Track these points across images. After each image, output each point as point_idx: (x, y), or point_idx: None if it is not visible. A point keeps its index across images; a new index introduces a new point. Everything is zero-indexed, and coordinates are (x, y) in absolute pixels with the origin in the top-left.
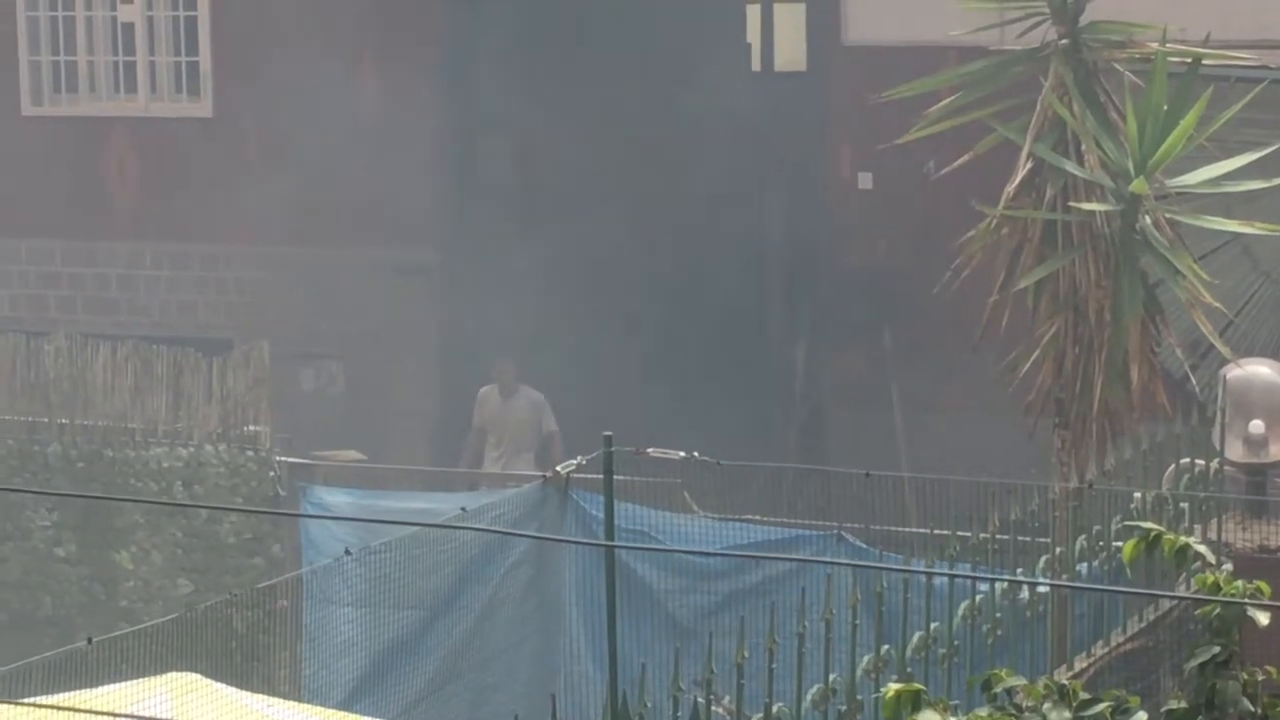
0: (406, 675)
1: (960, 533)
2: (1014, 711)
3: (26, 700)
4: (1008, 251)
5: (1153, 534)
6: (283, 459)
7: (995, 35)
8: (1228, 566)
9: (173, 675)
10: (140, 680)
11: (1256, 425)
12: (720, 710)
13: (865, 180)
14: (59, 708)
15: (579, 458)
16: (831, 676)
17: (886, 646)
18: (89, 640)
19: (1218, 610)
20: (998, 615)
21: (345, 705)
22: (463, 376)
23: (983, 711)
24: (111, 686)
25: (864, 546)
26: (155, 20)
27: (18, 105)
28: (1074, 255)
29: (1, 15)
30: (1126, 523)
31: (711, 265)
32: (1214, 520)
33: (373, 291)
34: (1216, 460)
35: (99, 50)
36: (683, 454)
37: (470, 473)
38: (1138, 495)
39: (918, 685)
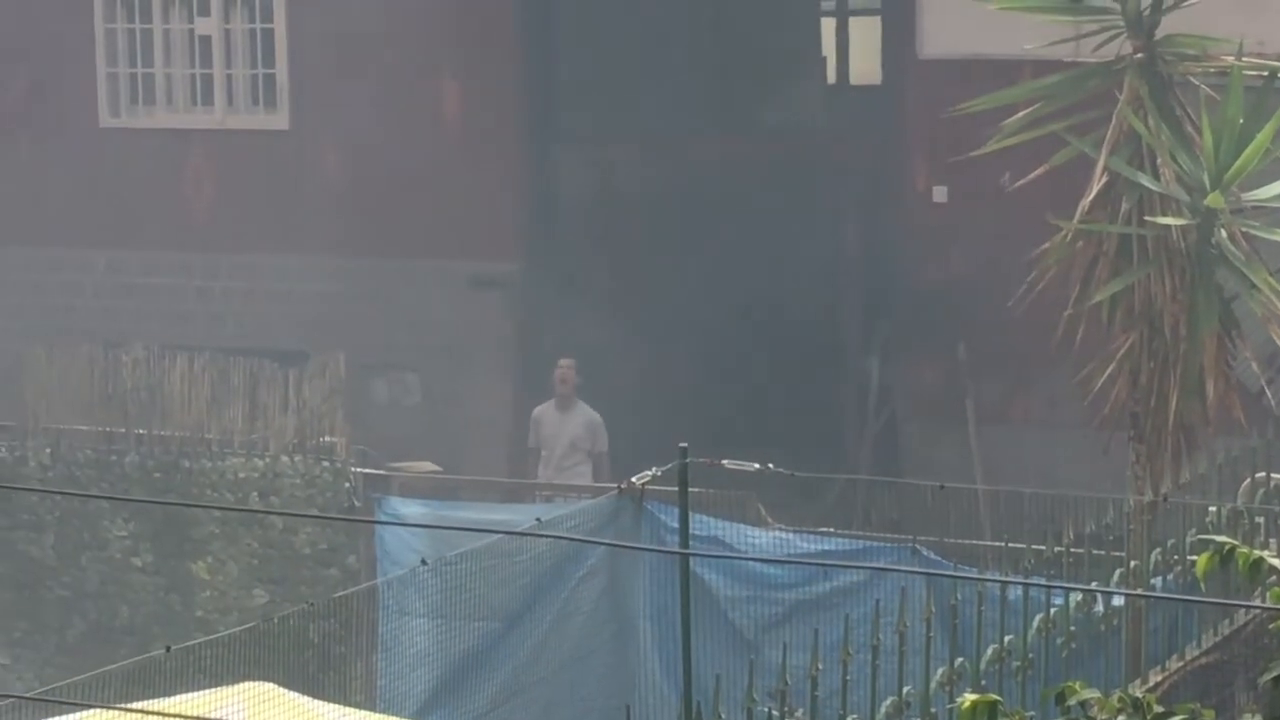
0: (479, 686)
1: (1035, 546)
2: None
3: (118, 705)
4: (1083, 265)
5: (1227, 548)
6: (358, 470)
7: (1070, 49)
8: None
9: (248, 684)
10: (216, 689)
11: None
12: None
13: (940, 193)
14: (149, 712)
15: (654, 469)
16: (906, 689)
17: (960, 659)
18: (167, 649)
19: None
20: (1072, 628)
21: (420, 716)
22: (539, 389)
23: None
24: (187, 695)
25: (938, 559)
26: (232, 33)
27: (95, 117)
28: (1149, 269)
29: (79, 27)
30: (1201, 536)
31: (787, 278)
32: None
33: (450, 304)
34: None
35: (176, 63)
36: (757, 466)
37: (544, 484)
38: (1213, 509)
39: (993, 696)
